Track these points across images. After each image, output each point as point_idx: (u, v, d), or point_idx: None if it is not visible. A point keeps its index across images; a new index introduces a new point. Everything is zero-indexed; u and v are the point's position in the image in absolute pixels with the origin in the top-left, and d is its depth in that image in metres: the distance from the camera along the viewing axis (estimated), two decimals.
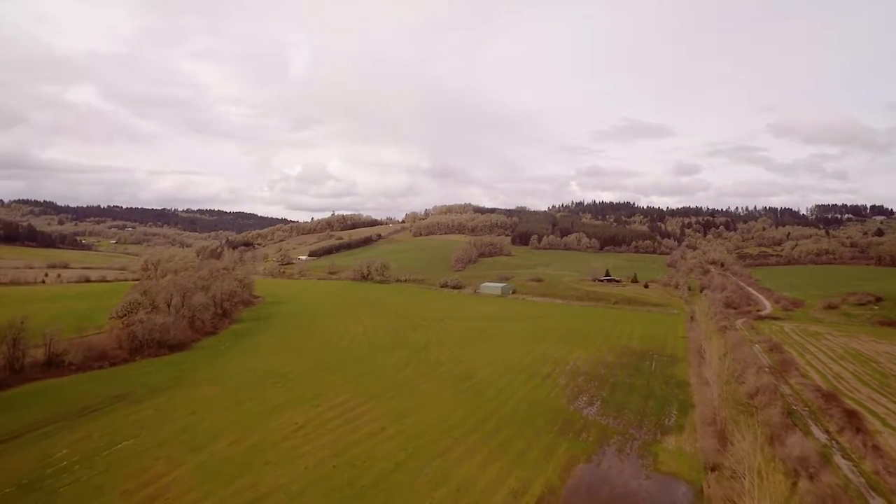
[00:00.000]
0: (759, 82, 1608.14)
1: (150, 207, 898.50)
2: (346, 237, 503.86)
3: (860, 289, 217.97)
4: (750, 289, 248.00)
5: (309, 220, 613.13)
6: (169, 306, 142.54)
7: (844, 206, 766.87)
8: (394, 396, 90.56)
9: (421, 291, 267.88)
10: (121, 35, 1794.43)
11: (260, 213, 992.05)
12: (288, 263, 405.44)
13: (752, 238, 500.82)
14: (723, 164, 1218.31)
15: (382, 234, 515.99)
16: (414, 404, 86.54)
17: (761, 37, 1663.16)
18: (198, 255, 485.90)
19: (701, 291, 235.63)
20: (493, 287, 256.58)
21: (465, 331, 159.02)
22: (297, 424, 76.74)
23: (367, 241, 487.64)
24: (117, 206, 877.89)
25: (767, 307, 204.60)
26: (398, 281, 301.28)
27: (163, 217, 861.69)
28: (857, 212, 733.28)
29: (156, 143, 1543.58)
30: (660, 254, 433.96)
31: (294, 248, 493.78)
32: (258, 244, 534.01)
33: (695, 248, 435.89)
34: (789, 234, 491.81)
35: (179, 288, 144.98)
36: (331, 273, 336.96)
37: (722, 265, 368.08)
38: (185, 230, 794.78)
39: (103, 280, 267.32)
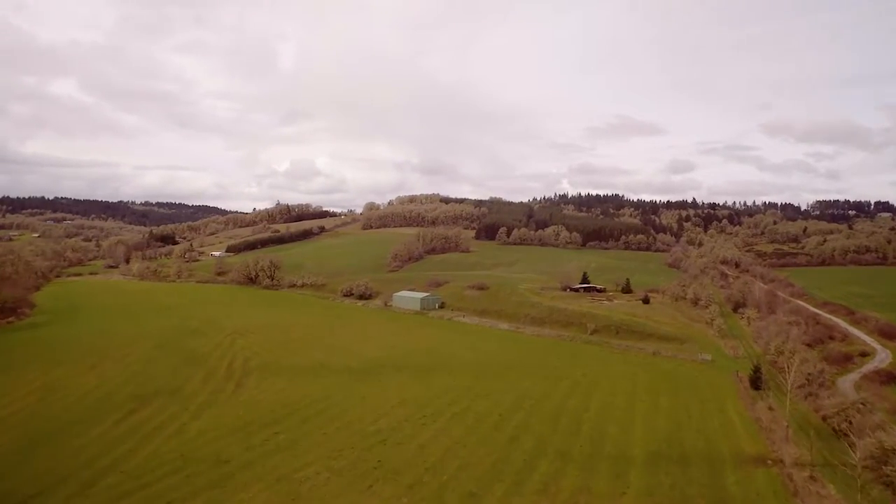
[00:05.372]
0: (753, 81, 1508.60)
1: (102, 200, 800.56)
2: (282, 230, 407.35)
3: None
4: (802, 303, 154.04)
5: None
6: None
7: (847, 202, 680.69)
8: None
9: (304, 303, 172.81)
10: (103, 26, 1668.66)
11: (223, 207, 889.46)
12: (193, 261, 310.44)
13: (763, 233, 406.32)
14: (715, 163, 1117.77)
15: (327, 227, 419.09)
16: None
17: (757, 35, 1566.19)
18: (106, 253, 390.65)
19: (735, 310, 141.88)
20: (410, 298, 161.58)
21: (236, 425, 64.25)
22: None
23: (305, 235, 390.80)
24: (64, 198, 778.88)
25: (879, 351, 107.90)
26: (292, 286, 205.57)
27: (113, 209, 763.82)
28: (861, 208, 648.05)
29: (141, 137, 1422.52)
30: (655, 251, 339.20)
31: (221, 243, 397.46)
32: (183, 237, 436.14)
33: (699, 245, 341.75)
34: (806, 228, 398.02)
35: None
36: (218, 274, 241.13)
37: (737, 265, 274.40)
38: (132, 223, 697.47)
39: None
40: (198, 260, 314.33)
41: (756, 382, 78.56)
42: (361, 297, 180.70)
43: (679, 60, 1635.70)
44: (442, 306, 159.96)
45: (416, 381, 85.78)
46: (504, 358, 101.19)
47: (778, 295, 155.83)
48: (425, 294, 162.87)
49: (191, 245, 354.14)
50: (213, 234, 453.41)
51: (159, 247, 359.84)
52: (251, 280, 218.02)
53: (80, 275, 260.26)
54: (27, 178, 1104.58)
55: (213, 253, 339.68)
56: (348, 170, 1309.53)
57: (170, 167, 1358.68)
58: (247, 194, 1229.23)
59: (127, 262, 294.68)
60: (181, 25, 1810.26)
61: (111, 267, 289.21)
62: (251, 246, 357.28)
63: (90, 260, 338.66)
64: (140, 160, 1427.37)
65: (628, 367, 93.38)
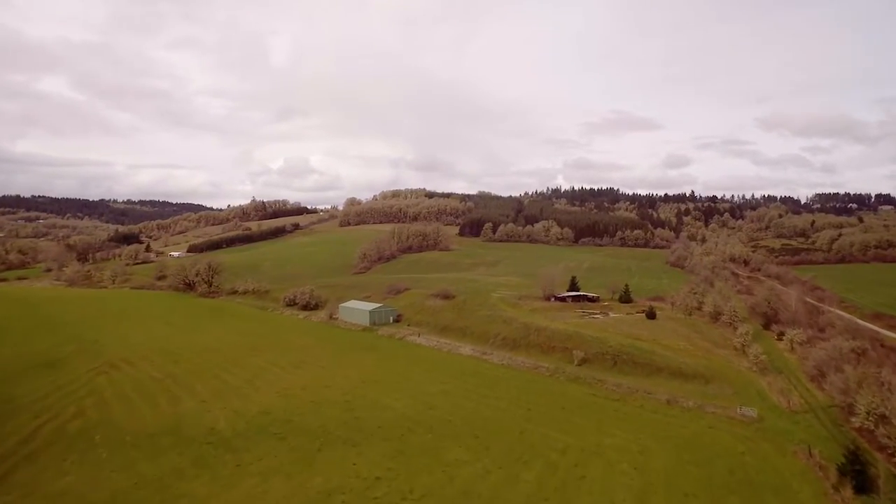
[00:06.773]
0: (750, 75, 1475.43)
1: (81, 198, 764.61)
2: (254, 227, 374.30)
3: None
4: (846, 314, 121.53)
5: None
6: None
7: (847, 195, 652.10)
8: None
9: (234, 316, 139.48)
10: (94, 22, 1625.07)
11: (217, 206, 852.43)
12: (145, 262, 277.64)
13: (769, 228, 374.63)
14: (711, 158, 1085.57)
15: (302, 224, 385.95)
16: None
17: (753, 29, 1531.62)
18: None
19: (766, 327, 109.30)
20: (358, 311, 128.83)
21: None
22: None
23: (277, 233, 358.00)
24: (42, 196, 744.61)
25: None
26: (233, 293, 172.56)
27: (91, 208, 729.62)
28: (862, 201, 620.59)
29: (134, 135, 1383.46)
30: (654, 247, 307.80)
31: (187, 241, 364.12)
32: (150, 237, 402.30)
33: (701, 241, 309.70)
34: (814, 222, 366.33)
35: None
36: (159, 279, 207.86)
37: (746, 263, 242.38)
38: (109, 222, 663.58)
39: None
40: (152, 261, 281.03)
41: (862, 482, 45.43)
42: (306, 306, 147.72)
43: (675, 55, 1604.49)
44: (398, 320, 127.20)
45: (295, 465, 52.83)
46: (450, 413, 68.18)
47: (818, 305, 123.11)
48: (377, 305, 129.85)
49: (147, 245, 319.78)
50: (181, 232, 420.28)
51: (114, 247, 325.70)
52: (189, 286, 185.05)
53: (5, 280, 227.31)
54: (19, 177, 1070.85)
55: (173, 253, 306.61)
56: (343, 167, 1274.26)
57: (165, 166, 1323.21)
58: (241, 192, 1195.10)
59: (60, 266, 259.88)
60: (172, 22, 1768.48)
61: (49, 271, 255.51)
62: (215, 245, 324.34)
63: (39, 262, 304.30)
64: (135, 159, 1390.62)
65: (633, 433, 60.38)
